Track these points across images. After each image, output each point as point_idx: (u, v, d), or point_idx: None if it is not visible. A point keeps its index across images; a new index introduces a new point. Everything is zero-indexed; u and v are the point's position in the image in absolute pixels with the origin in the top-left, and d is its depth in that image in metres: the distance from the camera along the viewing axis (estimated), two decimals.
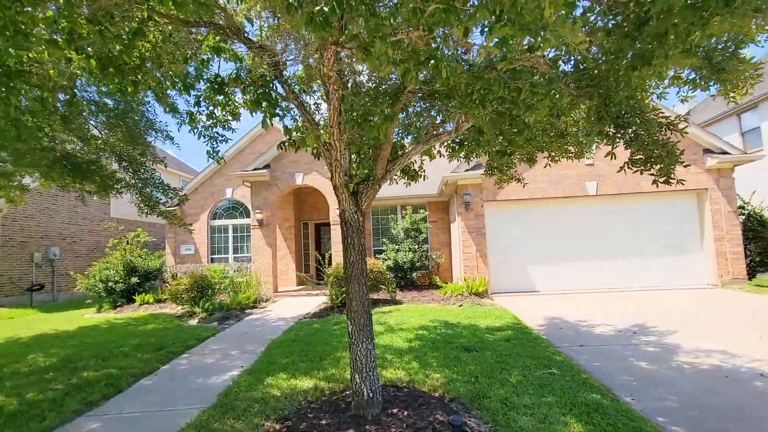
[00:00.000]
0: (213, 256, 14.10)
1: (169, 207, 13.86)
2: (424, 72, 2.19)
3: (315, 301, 10.70)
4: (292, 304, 10.34)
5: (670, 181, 3.17)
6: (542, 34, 1.70)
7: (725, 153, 9.76)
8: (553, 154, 4.78)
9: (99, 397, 4.39)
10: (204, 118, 3.89)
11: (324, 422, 3.11)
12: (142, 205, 7.26)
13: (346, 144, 3.31)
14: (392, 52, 1.85)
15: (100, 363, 5.56)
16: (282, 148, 3.73)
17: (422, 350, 5.35)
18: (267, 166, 12.11)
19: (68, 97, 3.01)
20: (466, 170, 10.14)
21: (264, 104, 2.95)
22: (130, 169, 6.61)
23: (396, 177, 4.44)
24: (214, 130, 3.94)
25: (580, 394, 3.74)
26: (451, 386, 4.02)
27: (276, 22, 2.85)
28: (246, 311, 9.61)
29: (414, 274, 11.27)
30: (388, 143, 3.22)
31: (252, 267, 11.98)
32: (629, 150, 3.44)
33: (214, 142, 4.17)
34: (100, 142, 6.27)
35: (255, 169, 11.99)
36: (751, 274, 10.12)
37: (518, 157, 4.36)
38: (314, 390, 4.11)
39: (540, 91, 2.61)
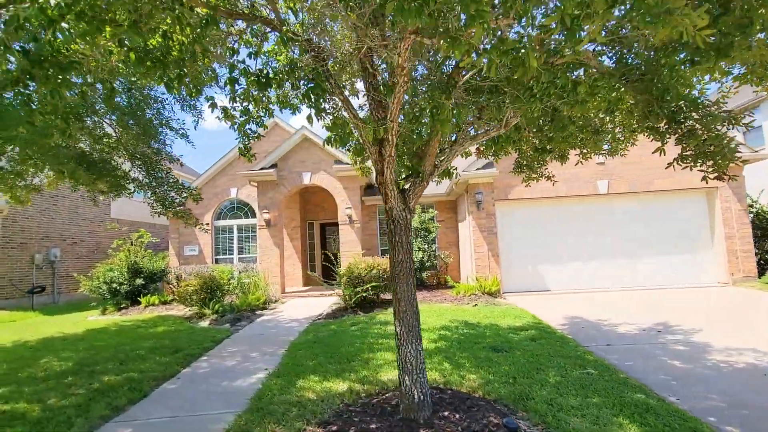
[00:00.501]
0: (217, 257, 13.91)
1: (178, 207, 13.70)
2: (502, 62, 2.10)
3: (325, 301, 10.59)
4: (302, 305, 10.21)
5: (723, 177, 3.11)
6: (661, 19, 1.62)
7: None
8: (585, 151, 4.73)
9: (125, 402, 4.26)
10: (237, 114, 3.79)
11: (373, 426, 3.01)
12: (155, 205, 7.09)
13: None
14: (478, 41, 1.77)
15: (119, 367, 5.41)
16: (330, 145, 3.61)
17: (450, 351, 5.27)
18: (274, 166, 11.97)
19: (107, 91, 2.88)
20: (478, 169, 10.09)
21: (313, 98, 2.85)
22: (144, 168, 6.44)
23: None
24: (247, 126, 3.83)
25: (625, 394, 3.68)
26: (490, 387, 3.94)
27: (326, 12, 2.75)
28: (256, 312, 9.47)
29: (424, 274, 11.19)
30: (437, 139, 3.14)
31: (259, 268, 11.83)
32: (659, 146, 3.37)
33: (246, 139, 4.07)
34: (112, 140, 6.10)
35: (262, 169, 11.84)
36: (761, 272, 10.17)
37: (551, 154, 4.30)
38: (349, 393, 4.00)
39: (602, 85, 2.53)
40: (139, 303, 11.39)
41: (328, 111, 3.89)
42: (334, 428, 3.19)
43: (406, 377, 3.05)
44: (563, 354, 4.96)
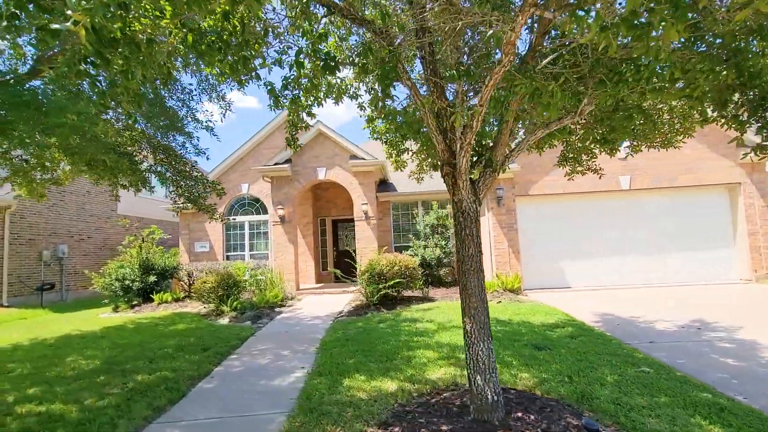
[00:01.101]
0: (228, 254, 13.74)
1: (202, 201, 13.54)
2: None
3: (342, 299, 10.44)
4: (320, 303, 10.06)
5: None
6: None
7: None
8: (636, 143, 4.60)
9: (164, 402, 4.10)
10: (287, 102, 3.62)
11: (445, 428, 2.87)
12: (178, 200, 6.90)
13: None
14: (603, 16, 1.63)
15: (149, 365, 5.24)
16: (399, 133, 3.43)
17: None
18: (288, 161, 11.79)
19: (163, 76, 2.70)
20: None
21: (384, 83, 2.69)
22: (168, 161, 6.24)
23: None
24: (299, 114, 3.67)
25: (690, 393, 3.56)
26: (548, 386, 3.81)
27: None
28: (275, 310, 9.31)
29: (441, 271, 11.05)
30: (508, 126, 2.99)
31: (273, 264, 11.66)
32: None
33: (294, 129, 3.91)
34: (136, 132, 5.90)
35: (276, 164, 11.66)
36: None
37: (610, 145, 4.15)
38: (401, 392, 3.86)
39: (705, 68, 2.39)
40: (152, 300, 11.22)
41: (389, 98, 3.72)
42: (397, 429, 3.05)
43: (478, 377, 2.91)
44: (610, 352, 4.84)
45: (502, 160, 3.08)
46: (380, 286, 8.46)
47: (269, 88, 3.01)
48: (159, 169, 6.45)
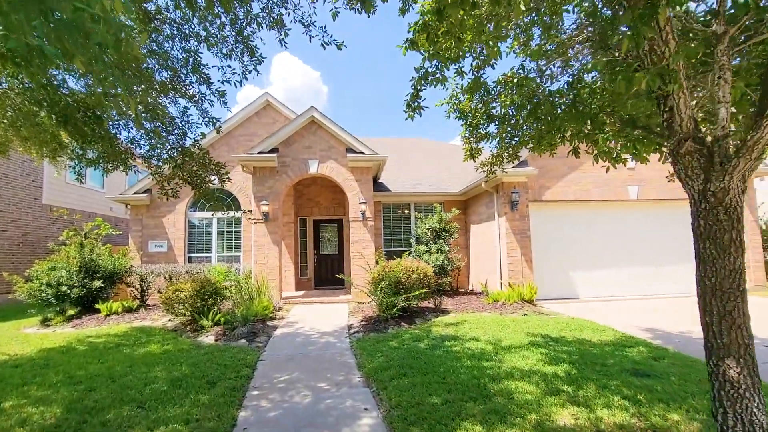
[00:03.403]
0: (191, 255, 11.73)
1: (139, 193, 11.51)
2: None
3: (337, 310, 9.15)
4: (314, 314, 8.69)
5: None
6: None
7: None
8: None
9: None
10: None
11: None
12: (168, 185, 5.25)
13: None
14: None
15: (142, 414, 3.70)
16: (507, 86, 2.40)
17: (582, 378, 4.30)
18: (275, 150, 10.26)
19: None
20: (514, 167, 9.35)
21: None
22: (166, 132, 4.62)
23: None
24: None
25: None
26: None
27: None
28: (267, 323, 7.81)
29: (444, 279, 10.19)
30: None
31: (253, 268, 10.02)
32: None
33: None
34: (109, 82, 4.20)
35: (261, 153, 10.08)
36: None
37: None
38: None
39: None
40: (96, 311, 9.07)
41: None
42: None
43: None
44: None
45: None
46: (399, 297, 7.36)
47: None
48: (150, 142, 4.73)
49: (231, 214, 11.46)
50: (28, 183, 12.79)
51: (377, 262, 8.56)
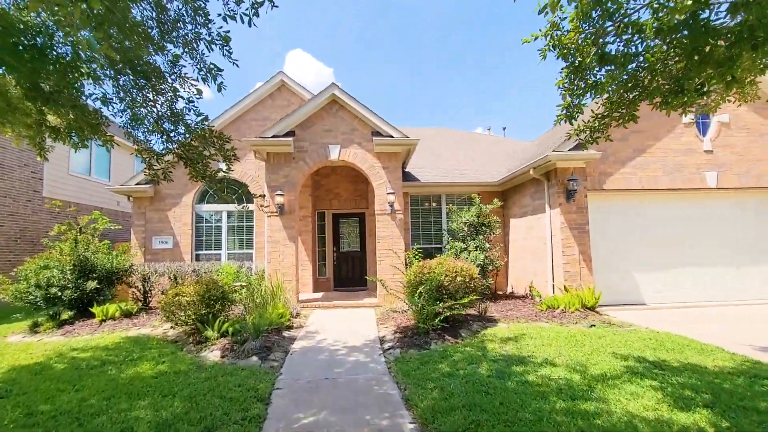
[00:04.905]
0: (199, 252, 10.63)
1: (141, 184, 10.52)
2: None
3: (363, 315, 7.90)
4: (336, 321, 7.46)
5: None
6: None
7: None
8: None
9: None
10: None
11: None
12: (155, 161, 4.04)
13: None
14: None
15: None
16: None
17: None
18: (290, 134, 9.03)
19: None
20: (571, 149, 7.93)
21: None
22: (151, 90, 3.40)
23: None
24: None
25: None
26: None
27: None
28: (283, 334, 6.60)
29: (486, 281, 8.83)
30: None
31: (267, 268, 8.84)
32: None
33: None
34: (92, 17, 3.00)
35: (275, 137, 8.86)
36: None
37: None
38: None
39: None
40: (92, 315, 8.01)
41: None
42: None
43: None
44: None
45: None
46: (444, 305, 6.05)
47: None
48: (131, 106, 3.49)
49: (242, 207, 10.32)
50: (26, 174, 11.87)
51: (411, 262, 7.26)
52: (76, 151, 3.95)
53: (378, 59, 65.84)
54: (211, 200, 10.79)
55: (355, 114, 9.13)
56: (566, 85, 3.20)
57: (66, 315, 8.09)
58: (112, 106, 3.52)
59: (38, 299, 7.60)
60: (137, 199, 10.52)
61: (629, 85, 3.21)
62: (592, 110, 3.60)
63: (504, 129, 25.69)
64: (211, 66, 3.54)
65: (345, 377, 4.62)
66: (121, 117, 3.68)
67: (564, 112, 3.35)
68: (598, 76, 3.16)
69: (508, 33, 53.70)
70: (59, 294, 7.69)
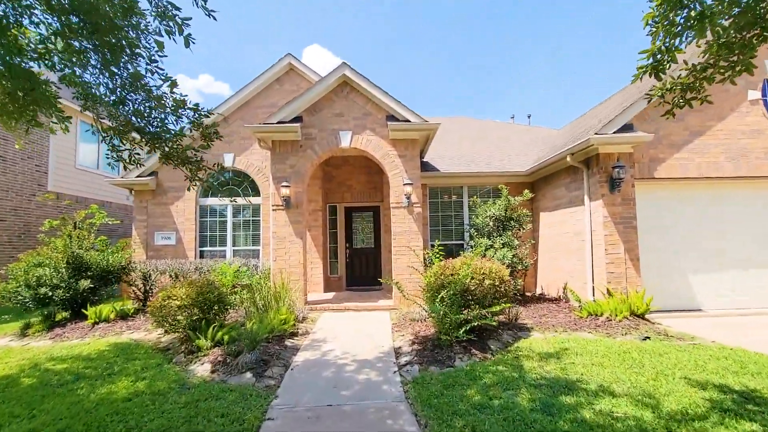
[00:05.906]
0: (203, 249, 10.00)
1: (143, 176, 9.80)
2: None
3: (377, 320, 7.08)
4: (347, 326, 6.65)
5: None
6: None
7: None
8: None
9: None
10: None
11: None
12: (119, 142, 3.29)
13: None
14: None
15: None
16: None
17: None
18: (297, 119, 8.23)
19: None
20: (616, 131, 6.87)
21: None
22: (108, 51, 2.63)
23: None
24: None
25: None
26: None
27: None
28: (285, 344, 5.82)
29: (515, 282, 7.84)
30: None
31: (272, 267, 8.10)
32: None
33: None
34: None
35: (281, 123, 8.07)
36: None
37: None
38: None
39: None
40: (85, 317, 7.44)
41: None
42: None
43: None
44: None
45: None
46: (471, 312, 5.15)
47: None
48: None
49: (239, 200, 9.61)
50: (30, 167, 11.47)
51: (432, 261, 6.38)
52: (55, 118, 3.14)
53: (393, 56, 64.46)
54: (215, 194, 10.12)
55: (369, 97, 8.25)
56: (656, 20, 2.25)
57: (60, 316, 7.58)
58: (50, 61, 2.74)
59: (27, 300, 7.06)
60: (139, 192, 9.95)
61: (746, 18, 2.23)
62: (685, 61, 2.63)
63: (529, 117, 24.25)
64: (169, 4, 2.67)
65: (352, 403, 3.80)
66: (61, 74, 2.85)
67: (650, 61, 2.40)
68: (704, 4, 2.20)
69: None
70: (50, 294, 7.14)
